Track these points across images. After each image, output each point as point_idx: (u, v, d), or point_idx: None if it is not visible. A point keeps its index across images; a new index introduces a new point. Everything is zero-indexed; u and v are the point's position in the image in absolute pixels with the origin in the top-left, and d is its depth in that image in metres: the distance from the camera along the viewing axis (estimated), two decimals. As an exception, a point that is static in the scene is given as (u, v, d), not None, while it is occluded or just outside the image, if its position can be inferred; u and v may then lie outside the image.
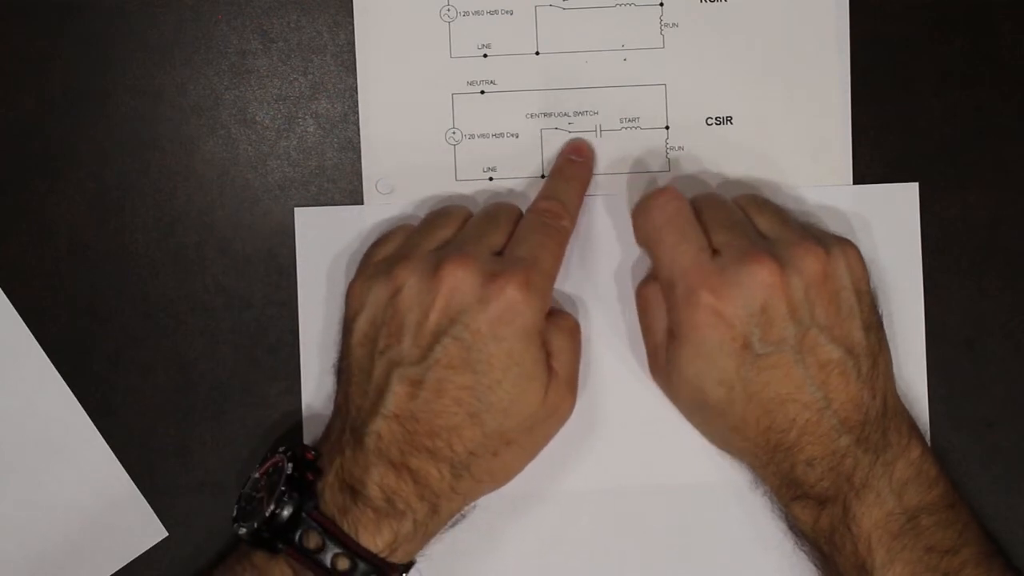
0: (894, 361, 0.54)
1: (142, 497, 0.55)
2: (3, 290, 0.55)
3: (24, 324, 0.55)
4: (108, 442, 0.55)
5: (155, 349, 0.55)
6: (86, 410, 0.55)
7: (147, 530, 0.55)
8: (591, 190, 0.55)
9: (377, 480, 0.48)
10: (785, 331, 0.48)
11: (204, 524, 0.55)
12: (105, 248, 0.55)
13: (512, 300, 0.48)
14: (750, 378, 0.49)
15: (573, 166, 0.55)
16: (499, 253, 0.51)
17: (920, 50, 0.56)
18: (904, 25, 0.56)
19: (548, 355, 0.50)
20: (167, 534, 0.55)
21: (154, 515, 0.55)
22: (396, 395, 0.49)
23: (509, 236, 0.52)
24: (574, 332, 0.52)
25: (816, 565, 0.52)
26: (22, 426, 0.55)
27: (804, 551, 0.52)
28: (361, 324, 0.51)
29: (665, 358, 0.52)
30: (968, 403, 0.56)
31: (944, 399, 0.56)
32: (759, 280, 0.48)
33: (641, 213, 0.52)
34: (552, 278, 0.51)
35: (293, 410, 0.56)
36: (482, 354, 0.48)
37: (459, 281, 0.48)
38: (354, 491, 0.48)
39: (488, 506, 0.52)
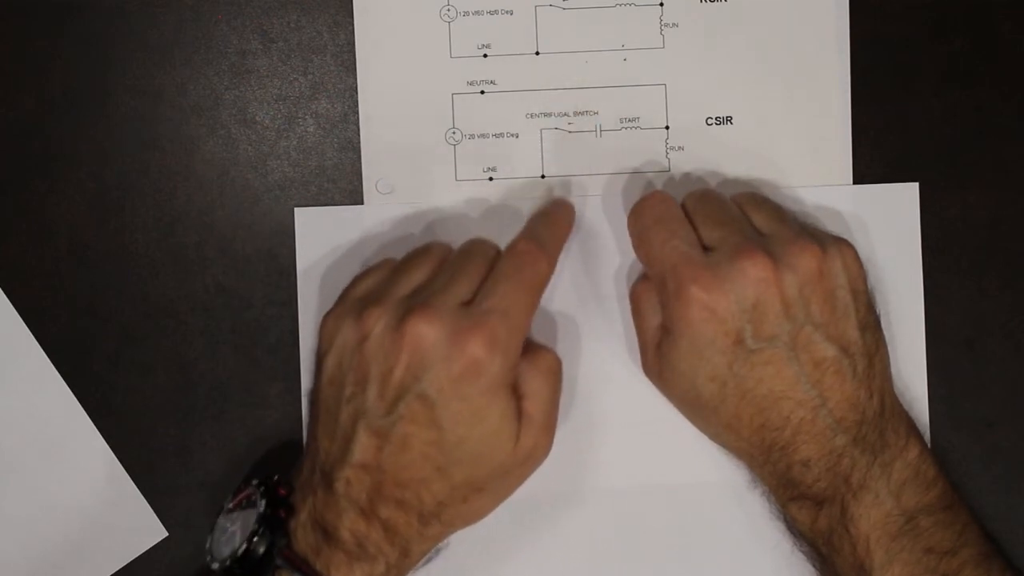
0: (894, 361, 0.54)
1: (142, 497, 0.55)
2: (3, 290, 0.55)
3: (24, 324, 0.55)
4: (108, 442, 0.55)
5: (155, 349, 0.55)
6: (86, 410, 0.55)
7: (147, 530, 0.55)
8: (591, 190, 0.55)
9: (348, 525, 0.48)
10: (778, 327, 0.48)
11: (204, 524, 0.55)
12: (105, 248, 0.55)
13: (475, 357, 0.47)
14: (743, 374, 0.49)
15: (557, 207, 0.54)
16: (472, 299, 0.49)
17: (920, 50, 0.56)
18: (904, 25, 0.56)
19: (522, 397, 0.49)
20: (167, 534, 0.55)
21: (154, 515, 0.55)
22: (362, 445, 0.48)
23: (483, 280, 0.50)
24: (552, 372, 0.51)
25: (815, 566, 0.52)
26: (22, 426, 0.55)
27: (803, 552, 0.52)
28: (329, 365, 0.50)
29: (658, 355, 0.52)
30: (968, 403, 0.56)
31: (944, 399, 0.56)
32: (751, 276, 0.48)
33: (632, 217, 0.52)
34: (522, 330, 0.49)
35: (293, 410, 0.56)
36: (447, 411, 0.47)
37: (422, 338, 0.47)
38: (326, 533, 0.48)
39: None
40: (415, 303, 0.49)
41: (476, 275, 0.50)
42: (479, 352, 0.47)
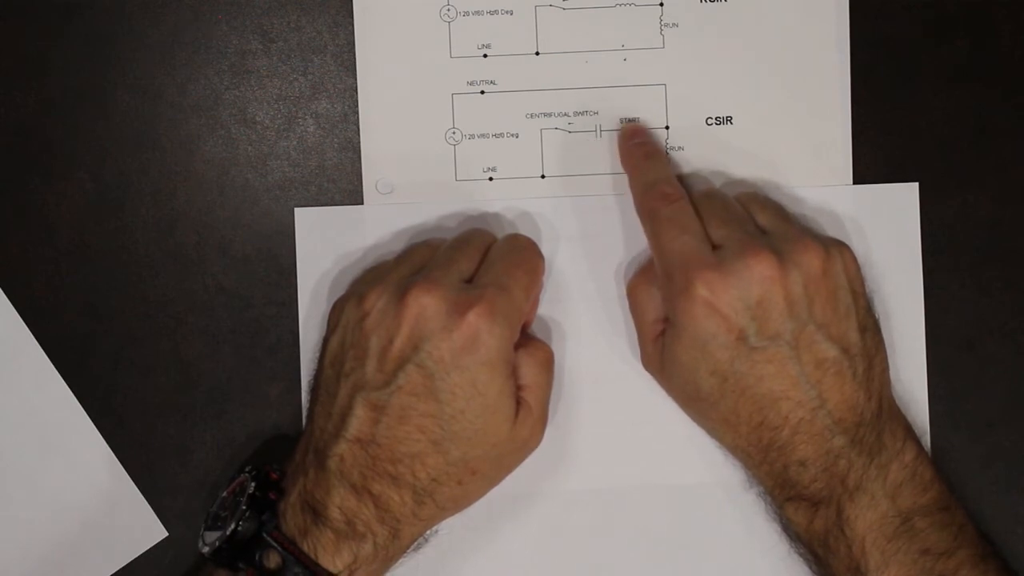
0: (894, 362, 0.54)
1: (142, 497, 0.55)
2: (3, 290, 0.55)
3: (24, 324, 0.55)
4: (108, 442, 0.55)
5: (155, 349, 0.55)
6: (86, 410, 0.55)
7: (147, 530, 0.55)
8: (591, 190, 0.55)
9: (338, 503, 0.48)
10: (782, 326, 0.48)
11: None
12: (105, 248, 0.55)
13: (475, 328, 0.48)
14: (743, 371, 0.49)
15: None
16: (471, 280, 0.51)
17: (920, 50, 0.56)
18: (904, 25, 0.56)
19: (520, 387, 0.50)
20: (167, 534, 0.55)
21: (154, 515, 0.55)
22: (359, 419, 0.49)
23: (481, 263, 0.52)
24: (548, 364, 0.52)
25: (811, 568, 0.52)
26: (22, 426, 0.55)
27: (799, 553, 0.52)
28: (332, 345, 0.51)
29: (657, 348, 0.52)
30: (968, 403, 0.56)
31: (944, 399, 0.56)
32: (757, 273, 0.48)
33: (645, 206, 0.52)
34: (520, 308, 0.50)
35: (293, 410, 0.56)
36: (445, 383, 0.48)
37: (424, 308, 0.48)
38: (315, 512, 0.48)
39: (483, 505, 0.52)
40: (415, 278, 0.50)
41: (475, 256, 0.52)
42: (479, 323, 0.48)
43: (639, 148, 0.54)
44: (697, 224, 0.51)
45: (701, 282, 0.48)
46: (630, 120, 0.56)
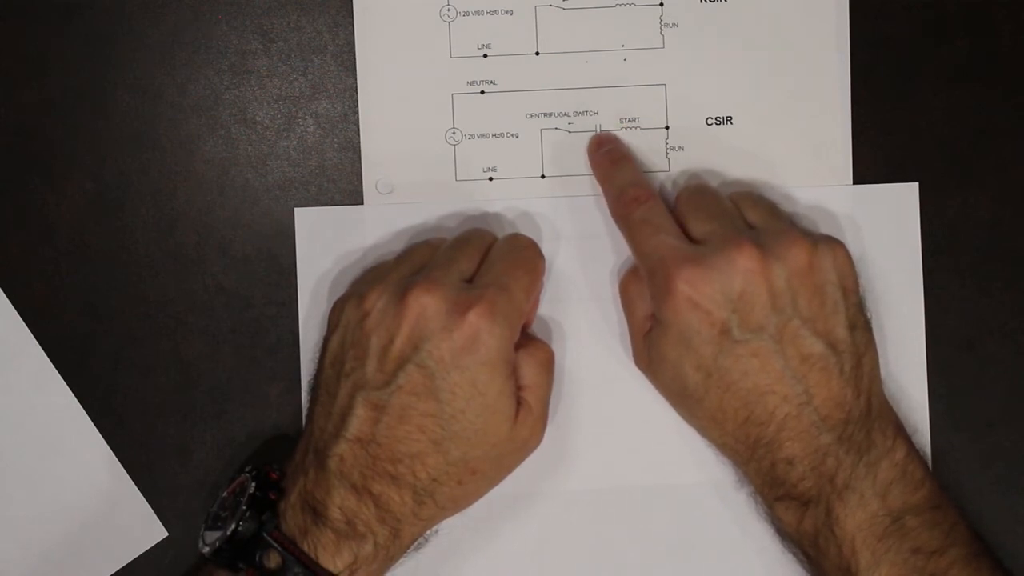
0: (894, 362, 0.54)
1: (142, 497, 0.55)
2: (3, 290, 0.55)
3: (24, 324, 0.55)
4: (108, 442, 0.55)
5: (155, 349, 0.55)
6: (86, 410, 0.55)
7: (147, 530, 0.55)
8: (591, 190, 0.56)
9: (338, 503, 0.48)
10: (765, 319, 0.48)
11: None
12: (105, 248, 0.55)
13: (475, 328, 0.48)
14: (727, 366, 0.49)
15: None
16: (471, 280, 0.51)
17: (920, 50, 0.56)
18: (904, 25, 0.56)
19: (521, 388, 0.50)
20: (167, 534, 0.55)
21: (154, 515, 0.55)
22: (359, 418, 0.49)
23: (481, 263, 0.52)
24: (548, 364, 0.52)
25: (804, 568, 0.52)
26: (22, 426, 0.55)
27: (792, 553, 0.52)
28: (333, 344, 0.51)
29: (646, 344, 0.52)
30: (968, 403, 0.56)
31: (944, 399, 0.56)
32: (738, 266, 0.48)
33: (618, 212, 0.53)
34: (520, 308, 0.50)
35: (293, 410, 0.56)
36: (445, 382, 0.48)
37: (424, 308, 0.48)
38: (315, 512, 0.48)
39: (483, 505, 0.52)
40: (416, 278, 0.50)
41: (475, 256, 0.52)
42: (479, 323, 0.48)
43: (606, 156, 0.55)
44: (670, 221, 0.51)
45: (681, 278, 0.48)
46: (630, 120, 0.56)
